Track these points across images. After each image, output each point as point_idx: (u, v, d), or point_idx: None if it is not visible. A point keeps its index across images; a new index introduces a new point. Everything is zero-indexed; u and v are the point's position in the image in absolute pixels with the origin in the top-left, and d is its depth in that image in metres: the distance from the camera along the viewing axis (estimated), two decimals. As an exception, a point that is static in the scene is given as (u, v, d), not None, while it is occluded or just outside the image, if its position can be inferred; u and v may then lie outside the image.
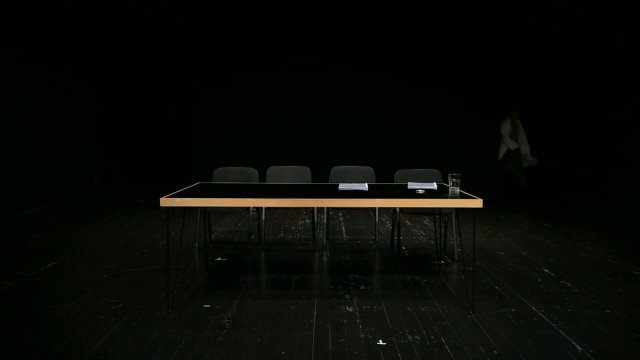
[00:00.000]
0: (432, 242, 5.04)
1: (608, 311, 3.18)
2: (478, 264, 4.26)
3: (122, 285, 3.61)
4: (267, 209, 5.56)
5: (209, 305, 3.22)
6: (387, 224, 6.07)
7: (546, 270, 4.09)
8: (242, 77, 8.19)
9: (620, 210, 6.64)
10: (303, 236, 5.36)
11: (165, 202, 3.11)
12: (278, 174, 4.80)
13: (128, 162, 9.17)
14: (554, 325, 2.95)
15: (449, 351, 2.59)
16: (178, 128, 9.26)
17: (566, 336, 2.79)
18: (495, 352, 2.59)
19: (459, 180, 3.27)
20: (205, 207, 4.36)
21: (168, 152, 8.98)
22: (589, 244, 4.99)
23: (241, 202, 3.19)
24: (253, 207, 4.73)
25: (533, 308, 3.22)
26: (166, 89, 9.14)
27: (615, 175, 6.01)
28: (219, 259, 4.41)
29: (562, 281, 3.80)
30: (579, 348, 2.64)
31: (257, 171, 4.66)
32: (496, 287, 3.65)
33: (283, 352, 2.57)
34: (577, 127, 7.85)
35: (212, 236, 5.22)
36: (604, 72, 7.03)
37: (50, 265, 4.11)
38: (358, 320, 3.00)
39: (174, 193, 3.31)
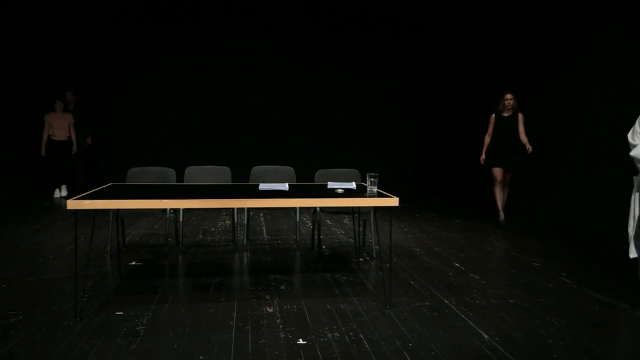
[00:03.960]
0: (352, 240, 5.15)
1: (512, 301, 3.42)
2: (395, 260, 4.42)
3: (23, 295, 3.35)
4: (185, 210, 5.40)
5: (121, 313, 3.06)
6: (307, 223, 6.11)
7: (457, 265, 4.32)
8: (160, 75, 7.90)
9: (523, 205, 7.17)
10: (223, 237, 5.27)
11: (73, 204, 2.92)
12: (196, 174, 4.67)
13: (27, 161, 8.51)
14: (463, 316, 3.12)
15: (367, 346, 2.66)
16: (90, 127, 8.73)
17: (474, 326, 2.96)
18: (410, 344, 2.69)
19: (376, 180, 3.37)
20: (118, 210, 4.16)
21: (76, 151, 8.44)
22: (494, 239, 5.34)
23: (157, 204, 3.07)
24: (170, 209, 4.57)
25: (445, 300, 3.39)
26: (72, 85, 8.59)
27: (524, 173, 6.50)
28: (133, 263, 4.21)
29: (471, 274, 4.03)
30: (486, 336, 2.81)
31: (174, 171, 4.51)
32: (411, 282, 3.79)
33: (201, 357, 2.50)
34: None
35: (126, 240, 4.98)
36: (506, 73, 7.55)
37: (-62, 276, 3.72)
38: (278, 320, 3.00)
39: (82, 195, 3.12)
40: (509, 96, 5.98)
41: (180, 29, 7.85)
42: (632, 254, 3.68)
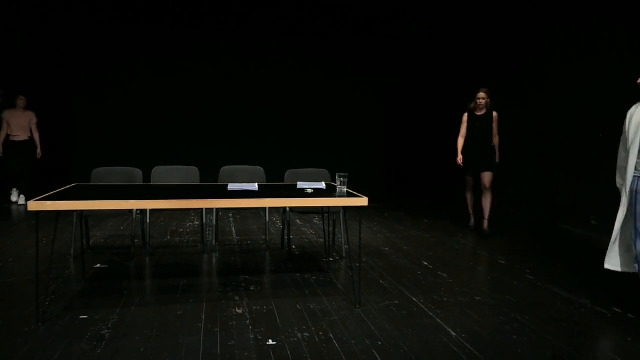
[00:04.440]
0: (322, 240, 5.16)
1: (478, 298, 3.49)
2: (364, 260, 4.44)
3: (-19, 300, 3.23)
4: (153, 211, 5.29)
5: (86, 316, 2.98)
6: (277, 223, 6.09)
7: (425, 263, 4.37)
8: (127, 74, 7.74)
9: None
10: (191, 238, 5.20)
11: (34, 205, 2.82)
12: (164, 174, 4.59)
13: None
14: (432, 314, 3.16)
15: (336, 346, 2.67)
16: (52, 125, 8.47)
17: (442, 323, 3.00)
18: (379, 343, 2.71)
19: (346, 180, 3.38)
20: (82, 211, 4.05)
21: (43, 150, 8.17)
22: (461, 237, 5.43)
23: (122, 205, 3.00)
24: (137, 210, 4.48)
25: (414, 299, 3.43)
26: (39, 83, 8.32)
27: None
28: (98, 265, 4.11)
29: (439, 272, 4.10)
30: (453, 334, 2.86)
31: (141, 172, 4.42)
32: (381, 281, 3.83)
33: (169, 360, 2.46)
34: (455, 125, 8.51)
35: (91, 242, 4.86)
36: (479, 72, 7.70)
37: None
38: (248, 321, 2.98)
39: (44, 195, 3.02)
40: (481, 94, 5.44)
41: (146, 29, 7.71)
42: (610, 265, 3.34)
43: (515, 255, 4.69)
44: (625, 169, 3.15)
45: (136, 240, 4.71)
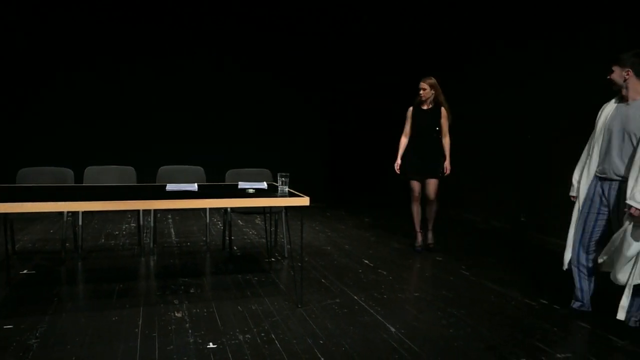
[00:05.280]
0: (263, 240, 5.13)
1: (416, 294, 3.59)
2: (306, 259, 4.46)
3: None
4: (86, 213, 5.04)
5: (11, 326, 2.80)
6: (218, 224, 5.99)
7: (366, 261, 4.45)
8: (55, 69, 7.33)
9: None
10: (127, 241, 5.01)
11: (-49, 208, 2.62)
12: (97, 174, 4.39)
13: None
14: (372, 311, 3.22)
15: (278, 346, 2.66)
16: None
17: (382, 320, 3.06)
18: (321, 342, 2.73)
19: (287, 180, 3.37)
20: (6, 214, 3.80)
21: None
22: (401, 236, 5.57)
23: (51, 207, 2.84)
24: (68, 212, 4.25)
25: (355, 297, 3.48)
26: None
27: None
28: (24, 271, 3.87)
29: (379, 270, 4.18)
30: (393, 330, 2.92)
31: (72, 171, 4.21)
32: (322, 280, 3.85)
33: (103, 368, 2.36)
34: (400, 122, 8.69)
35: (16, 246, 4.57)
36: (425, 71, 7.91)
37: None
38: (187, 324, 2.90)
39: (-37, 197, 2.81)
40: (422, 84, 4.61)
41: (76, 25, 7.35)
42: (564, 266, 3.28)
43: (451, 252, 4.86)
44: (587, 166, 3.11)
45: (67, 244, 4.47)
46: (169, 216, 6.48)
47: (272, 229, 4.84)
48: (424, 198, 4.79)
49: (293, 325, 2.94)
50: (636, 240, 2.73)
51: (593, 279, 3.17)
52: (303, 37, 8.41)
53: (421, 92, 4.62)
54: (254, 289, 3.60)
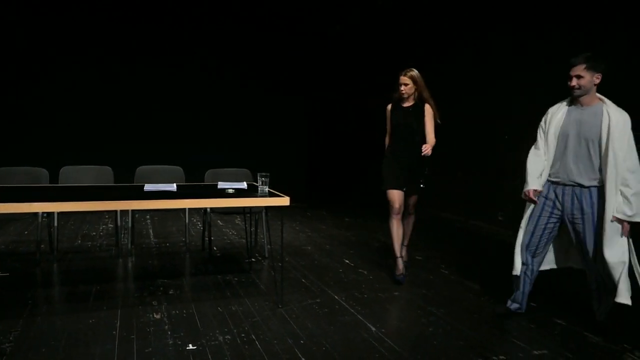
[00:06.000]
0: (243, 240, 5.10)
1: (396, 293, 3.61)
2: (287, 259, 4.44)
3: None
4: (62, 214, 4.94)
5: (-17, 330, 2.73)
6: (198, 225, 5.94)
7: (347, 261, 4.46)
8: (29, 65, 7.17)
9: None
10: (105, 242, 4.93)
11: None
12: (73, 174, 4.31)
13: None
14: (353, 310, 3.23)
15: (259, 346, 2.64)
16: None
17: (363, 319, 3.07)
18: (301, 341, 2.72)
19: (267, 179, 3.36)
20: (-22, 214, 3.70)
21: None
22: (381, 235, 5.59)
23: (25, 208, 2.78)
24: (43, 213, 4.16)
25: (335, 297, 3.48)
26: None
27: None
28: (-2, 274, 3.78)
29: (359, 270, 4.19)
30: (373, 329, 2.93)
31: (47, 172, 4.12)
32: (303, 280, 3.85)
33: (79, 372, 2.32)
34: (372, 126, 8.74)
35: (-11, 248, 4.46)
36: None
37: None
38: (166, 326, 2.87)
39: None
40: (402, 78, 3.86)
41: (51, 25, 7.21)
42: (515, 271, 3.16)
43: (430, 251, 4.90)
44: (539, 172, 3.01)
45: (42, 246, 4.38)
46: (148, 217, 6.40)
47: (252, 229, 4.82)
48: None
49: (273, 326, 2.93)
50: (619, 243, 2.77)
51: (532, 282, 3.16)
52: (284, 37, 8.39)
53: (402, 88, 3.85)
54: (234, 289, 3.58)
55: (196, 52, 7.99)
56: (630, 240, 2.82)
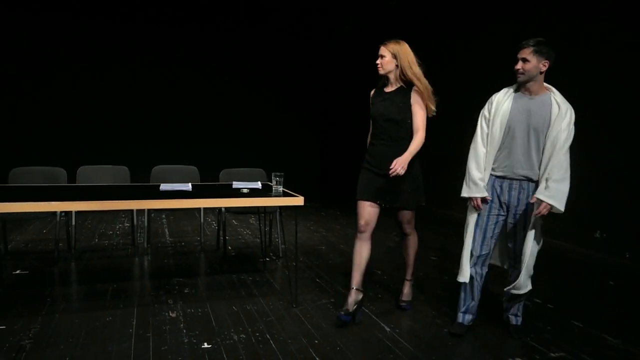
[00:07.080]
0: (258, 240, 5.12)
1: (411, 293, 3.58)
2: (301, 259, 4.45)
3: None
4: (79, 213, 5.01)
5: (3, 327, 2.78)
6: (212, 224, 5.98)
7: (361, 261, 4.44)
8: (49, 67, 7.28)
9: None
10: (121, 241, 4.99)
11: (-57, 208, 2.60)
12: (91, 174, 4.37)
13: None
14: (367, 311, 3.22)
15: (273, 346, 2.65)
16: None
17: (377, 319, 3.07)
18: (316, 341, 2.72)
19: (282, 179, 3.37)
20: (-2, 213, 3.77)
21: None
22: (396, 235, 5.57)
23: (44, 207, 2.82)
24: (61, 212, 4.22)
25: (349, 297, 3.47)
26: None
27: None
28: (17, 272, 3.85)
29: (374, 270, 4.18)
30: (388, 329, 2.92)
31: (64, 171, 4.18)
32: (317, 280, 3.85)
33: (97, 369, 2.35)
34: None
35: (9, 246, 4.54)
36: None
37: None
38: (182, 325, 2.89)
39: (-46, 198, 2.78)
40: (383, 49, 3.02)
41: (69, 25, 7.31)
42: (464, 278, 2.94)
43: (445, 251, 4.87)
44: (483, 174, 2.78)
45: (60, 244, 4.44)
46: (163, 216, 6.46)
47: (267, 228, 4.84)
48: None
49: (288, 325, 2.94)
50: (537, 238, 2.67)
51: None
52: (298, 38, 8.41)
53: (377, 61, 3.03)
54: (249, 288, 3.60)
55: (212, 55, 8.04)
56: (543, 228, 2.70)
